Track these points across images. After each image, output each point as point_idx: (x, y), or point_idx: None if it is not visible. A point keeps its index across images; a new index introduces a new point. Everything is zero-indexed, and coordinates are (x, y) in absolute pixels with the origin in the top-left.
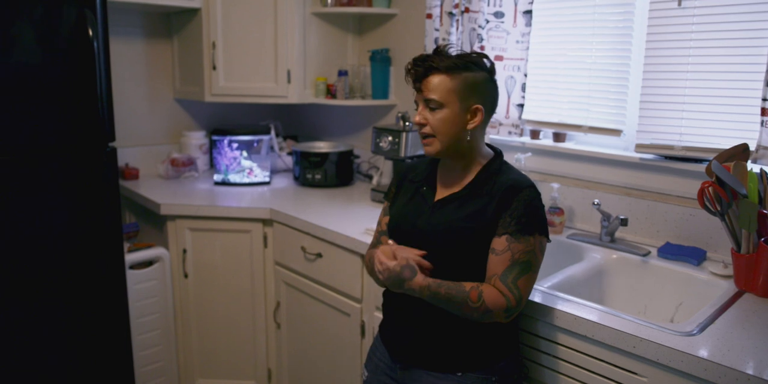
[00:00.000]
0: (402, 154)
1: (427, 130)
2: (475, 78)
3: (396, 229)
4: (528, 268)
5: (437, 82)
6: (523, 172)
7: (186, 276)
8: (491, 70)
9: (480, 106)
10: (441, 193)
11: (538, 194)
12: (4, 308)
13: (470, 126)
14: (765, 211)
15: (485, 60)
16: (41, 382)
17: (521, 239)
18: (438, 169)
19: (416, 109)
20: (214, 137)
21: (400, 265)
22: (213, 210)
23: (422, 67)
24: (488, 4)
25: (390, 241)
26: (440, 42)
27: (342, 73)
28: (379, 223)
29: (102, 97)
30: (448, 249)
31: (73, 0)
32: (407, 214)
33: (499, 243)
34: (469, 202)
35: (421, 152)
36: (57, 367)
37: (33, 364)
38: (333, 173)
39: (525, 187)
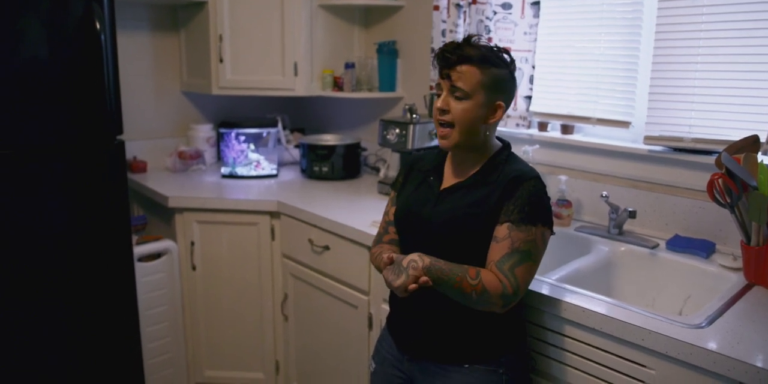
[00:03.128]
0: (409, 147)
1: (447, 117)
2: (501, 75)
3: (402, 218)
4: (527, 257)
5: (468, 72)
6: (531, 164)
7: (194, 268)
8: (513, 67)
9: (502, 104)
10: (447, 183)
11: (544, 186)
12: (14, 301)
13: (490, 121)
14: None
15: (506, 55)
16: (52, 375)
17: (522, 228)
18: (446, 160)
19: (437, 96)
20: (222, 130)
21: (408, 281)
22: (221, 203)
23: (455, 55)
24: None
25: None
26: (447, 34)
27: (349, 66)
28: (386, 213)
29: (109, 90)
30: (451, 237)
31: None
32: (413, 203)
33: (501, 231)
34: (473, 191)
35: (427, 144)
36: (67, 359)
37: (43, 356)
38: (340, 166)
39: (530, 177)
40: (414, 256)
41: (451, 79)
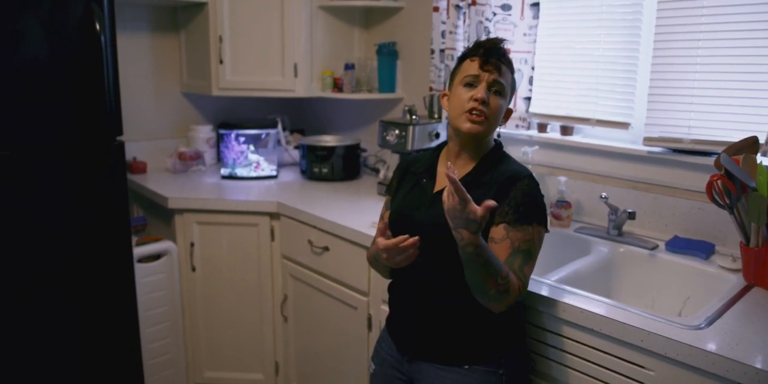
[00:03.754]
0: (409, 148)
1: (486, 110)
2: (515, 80)
3: (396, 222)
4: (529, 256)
5: (506, 72)
6: (530, 165)
7: (194, 269)
8: None
9: (512, 109)
10: (440, 184)
11: (537, 184)
12: (13, 301)
13: (503, 123)
14: None
15: None
16: (52, 375)
17: (519, 228)
18: (439, 161)
19: (467, 85)
20: (222, 131)
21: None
22: (220, 204)
23: (501, 50)
24: None
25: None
26: (447, 35)
27: (349, 67)
28: (381, 217)
29: (109, 91)
30: (446, 240)
31: None
32: (406, 207)
33: (497, 232)
34: (468, 193)
35: (427, 145)
36: (67, 359)
37: (43, 357)
38: (340, 167)
39: (523, 176)
40: (466, 235)
41: (500, 71)
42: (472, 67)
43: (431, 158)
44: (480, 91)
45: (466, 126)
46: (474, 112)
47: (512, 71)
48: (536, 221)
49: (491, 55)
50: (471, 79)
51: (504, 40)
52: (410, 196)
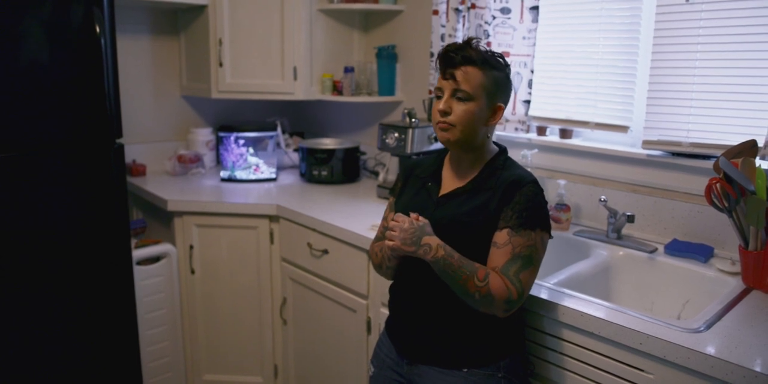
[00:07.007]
0: (408, 151)
1: (450, 119)
2: (501, 77)
3: None
4: (529, 262)
5: (471, 74)
6: (529, 169)
7: (193, 272)
8: (509, 70)
9: (502, 106)
10: (446, 188)
11: (541, 190)
12: (12, 304)
13: (491, 123)
14: None
15: (502, 59)
16: (50, 378)
17: (522, 233)
18: (444, 165)
19: (437, 98)
20: (221, 134)
21: (421, 223)
22: (220, 206)
23: (459, 56)
24: (495, 0)
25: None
26: (447, 38)
27: (348, 70)
28: (384, 219)
29: (109, 93)
30: (451, 243)
31: None
32: (412, 209)
33: (500, 237)
34: (472, 197)
35: (426, 148)
36: (65, 362)
37: (41, 359)
38: (339, 170)
39: (528, 182)
40: (432, 241)
41: (455, 79)
42: (438, 78)
43: (435, 162)
44: (440, 103)
45: (439, 135)
46: (440, 123)
47: (486, 68)
48: (539, 227)
49: (448, 65)
50: (437, 92)
51: (475, 38)
52: (416, 199)
